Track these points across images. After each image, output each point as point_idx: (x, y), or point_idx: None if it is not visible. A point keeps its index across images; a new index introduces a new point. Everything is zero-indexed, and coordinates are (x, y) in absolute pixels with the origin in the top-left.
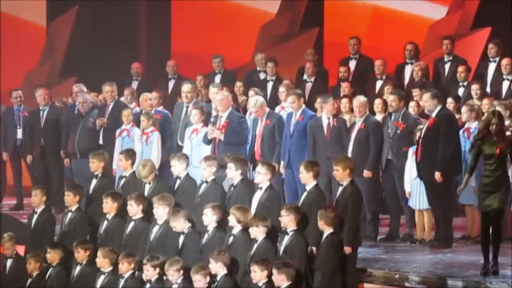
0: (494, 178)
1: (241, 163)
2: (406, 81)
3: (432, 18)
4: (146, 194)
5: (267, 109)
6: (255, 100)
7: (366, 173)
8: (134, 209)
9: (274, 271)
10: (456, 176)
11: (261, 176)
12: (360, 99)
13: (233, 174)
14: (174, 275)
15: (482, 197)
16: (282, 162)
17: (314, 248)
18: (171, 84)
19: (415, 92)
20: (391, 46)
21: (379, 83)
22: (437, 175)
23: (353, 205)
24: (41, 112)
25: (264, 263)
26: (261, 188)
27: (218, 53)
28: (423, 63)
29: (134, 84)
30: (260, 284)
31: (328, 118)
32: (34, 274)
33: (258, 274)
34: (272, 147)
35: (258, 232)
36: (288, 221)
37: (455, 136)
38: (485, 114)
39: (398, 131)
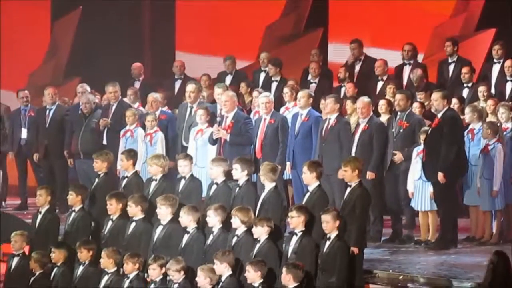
0: None
1: (247, 164)
2: (405, 82)
3: (437, 19)
4: (150, 191)
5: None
6: (266, 95)
7: (369, 175)
8: (133, 210)
9: (284, 269)
10: (460, 178)
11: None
12: (363, 100)
13: (239, 175)
14: (174, 275)
15: None
16: (288, 163)
17: None
18: (177, 84)
19: (420, 94)
20: (395, 47)
21: (379, 84)
22: (440, 175)
23: (361, 207)
24: (48, 111)
25: (258, 264)
26: (264, 189)
27: (229, 55)
28: (420, 70)
29: (137, 85)
30: (255, 284)
31: (329, 119)
32: (37, 273)
33: (251, 275)
34: (274, 146)
35: (262, 232)
36: (298, 222)
37: (459, 137)
38: None
39: (401, 130)
